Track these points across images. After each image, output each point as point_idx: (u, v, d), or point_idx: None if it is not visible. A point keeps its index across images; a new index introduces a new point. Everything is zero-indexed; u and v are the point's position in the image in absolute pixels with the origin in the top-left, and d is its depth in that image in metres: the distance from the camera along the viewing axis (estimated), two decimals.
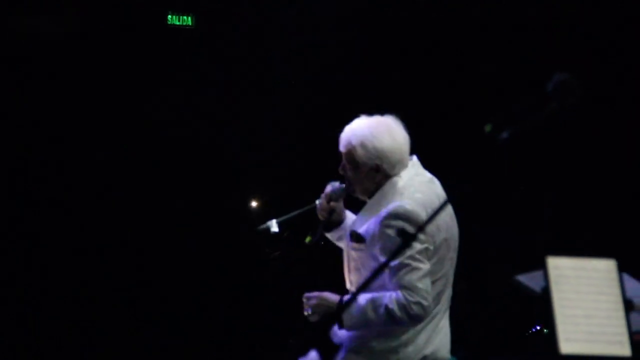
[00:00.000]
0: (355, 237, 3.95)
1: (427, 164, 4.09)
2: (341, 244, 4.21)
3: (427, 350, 3.91)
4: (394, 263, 3.74)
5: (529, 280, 3.02)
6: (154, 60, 6.93)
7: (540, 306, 2.84)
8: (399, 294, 3.70)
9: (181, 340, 6.83)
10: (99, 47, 6.74)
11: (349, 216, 4.22)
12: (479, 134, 2.60)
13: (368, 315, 3.74)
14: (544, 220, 6.74)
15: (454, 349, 4.12)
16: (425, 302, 3.73)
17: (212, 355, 6.89)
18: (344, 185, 4.07)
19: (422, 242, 3.77)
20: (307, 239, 4.09)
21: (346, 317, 3.78)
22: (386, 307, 3.70)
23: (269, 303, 6.85)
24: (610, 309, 2.82)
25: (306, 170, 4.39)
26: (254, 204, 7.14)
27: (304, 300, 3.92)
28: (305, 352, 3.97)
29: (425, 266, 3.76)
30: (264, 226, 4.18)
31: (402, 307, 3.69)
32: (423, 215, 3.81)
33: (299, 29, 7.10)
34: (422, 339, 3.89)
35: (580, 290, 2.82)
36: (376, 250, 3.84)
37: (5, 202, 6.59)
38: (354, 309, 3.78)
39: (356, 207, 4.13)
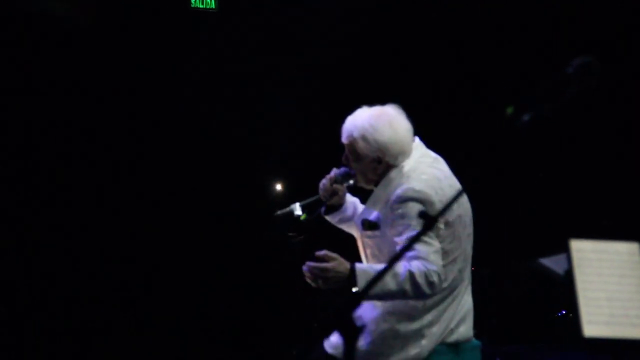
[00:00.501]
0: (368, 225, 3.97)
1: (446, 148, 4.09)
2: (342, 226, 4.25)
3: (452, 324, 3.93)
4: (407, 236, 3.76)
5: (552, 263, 3.02)
6: (177, 44, 6.93)
7: (563, 289, 2.84)
8: (417, 262, 3.70)
9: (204, 321, 6.85)
10: (121, 31, 6.75)
11: (351, 200, 4.24)
12: (500, 117, 2.59)
13: (386, 282, 3.70)
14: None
15: (478, 334, 4.13)
16: (441, 275, 3.74)
17: (235, 337, 6.90)
18: (348, 170, 4.08)
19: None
20: (303, 217, 4.10)
21: (361, 284, 3.74)
22: (408, 272, 3.67)
23: (291, 287, 6.86)
24: (632, 292, 2.82)
25: (330, 154, 4.39)
26: (278, 187, 7.16)
27: (306, 270, 3.86)
28: (328, 336, 3.98)
29: (435, 243, 3.77)
30: (286, 210, 4.18)
31: (423, 273, 3.67)
32: (432, 194, 3.83)
33: (322, 13, 7.08)
34: (446, 317, 3.91)
35: (602, 272, 2.82)
36: (391, 234, 3.85)
37: (21, 196, 6.59)
38: (371, 275, 3.76)
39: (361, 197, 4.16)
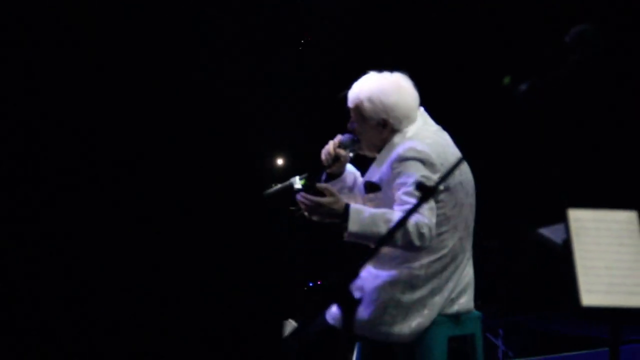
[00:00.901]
0: (370, 187, 4.00)
1: (445, 118, 4.11)
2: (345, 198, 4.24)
3: (453, 294, 3.94)
4: (403, 191, 3.78)
5: (551, 233, 3.02)
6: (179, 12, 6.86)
7: (562, 259, 2.84)
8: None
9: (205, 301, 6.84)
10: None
11: (351, 171, 4.25)
12: (498, 87, 2.59)
13: (378, 225, 3.74)
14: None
15: (482, 305, 4.14)
16: (433, 230, 3.75)
17: (236, 309, 6.90)
18: (353, 136, 4.10)
19: (430, 180, 3.79)
20: (303, 182, 4.10)
21: (353, 222, 3.78)
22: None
23: (290, 261, 6.87)
24: (631, 260, 2.82)
25: (331, 127, 4.40)
26: (279, 161, 7.15)
27: (300, 200, 3.93)
28: (326, 308, 3.99)
29: (431, 201, 3.78)
30: (286, 183, 4.17)
31: (415, 223, 3.69)
32: (434, 156, 3.85)
33: None
34: (448, 287, 3.93)
35: (601, 242, 2.82)
36: (391, 192, 3.87)
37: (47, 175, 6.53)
38: (364, 216, 3.79)
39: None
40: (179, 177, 6.81)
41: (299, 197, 3.93)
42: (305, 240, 6.58)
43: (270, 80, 7.03)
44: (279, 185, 4.17)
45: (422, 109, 4.09)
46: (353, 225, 3.78)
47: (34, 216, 6.48)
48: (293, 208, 4.04)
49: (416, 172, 3.79)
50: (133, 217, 6.67)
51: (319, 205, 3.88)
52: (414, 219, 3.69)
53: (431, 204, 3.78)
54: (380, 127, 4.00)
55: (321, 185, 3.95)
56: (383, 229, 3.73)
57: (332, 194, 3.89)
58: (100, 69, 6.58)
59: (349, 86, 4.12)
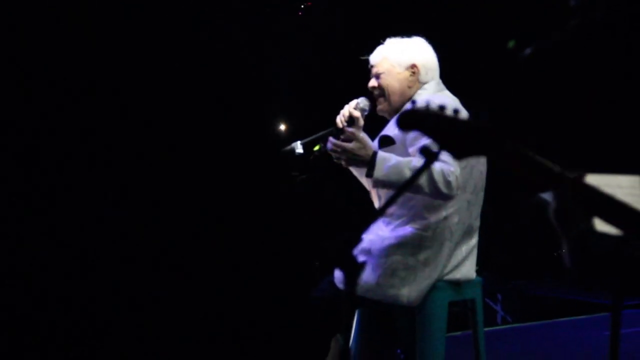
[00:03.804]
0: (384, 141, 3.96)
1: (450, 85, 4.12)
2: (352, 169, 4.23)
3: (457, 260, 3.95)
4: (421, 145, 3.74)
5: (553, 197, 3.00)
6: None
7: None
8: (437, 163, 3.66)
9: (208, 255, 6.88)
10: None
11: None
12: (503, 51, 2.58)
13: (403, 172, 3.71)
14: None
15: (479, 271, 4.14)
16: (459, 179, 3.72)
17: (232, 280, 6.94)
18: (368, 101, 4.11)
19: None
20: (316, 148, 4.09)
21: (379, 169, 3.77)
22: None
23: (294, 226, 6.88)
24: None
25: (333, 91, 4.39)
26: (281, 127, 7.15)
27: (331, 146, 3.92)
28: (329, 273, 4.00)
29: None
30: (288, 148, 4.15)
31: (441, 171, 3.65)
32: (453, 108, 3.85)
33: None
34: (454, 250, 3.93)
35: None
36: (406, 147, 3.85)
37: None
38: (390, 163, 3.77)
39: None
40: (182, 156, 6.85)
41: (329, 145, 3.91)
42: (308, 205, 6.60)
43: (277, 46, 7.04)
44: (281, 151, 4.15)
45: (440, 80, 4.13)
46: (378, 172, 3.76)
47: (44, 214, 6.51)
48: (295, 173, 4.03)
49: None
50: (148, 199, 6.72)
51: (344, 150, 3.88)
52: (439, 167, 3.65)
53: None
54: (409, 73, 4.07)
55: (349, 130, 3.92)
56: (409, 175, 3.68)
57: (358, 140, 3.87)
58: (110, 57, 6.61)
59: (369, 50, 4.15)
